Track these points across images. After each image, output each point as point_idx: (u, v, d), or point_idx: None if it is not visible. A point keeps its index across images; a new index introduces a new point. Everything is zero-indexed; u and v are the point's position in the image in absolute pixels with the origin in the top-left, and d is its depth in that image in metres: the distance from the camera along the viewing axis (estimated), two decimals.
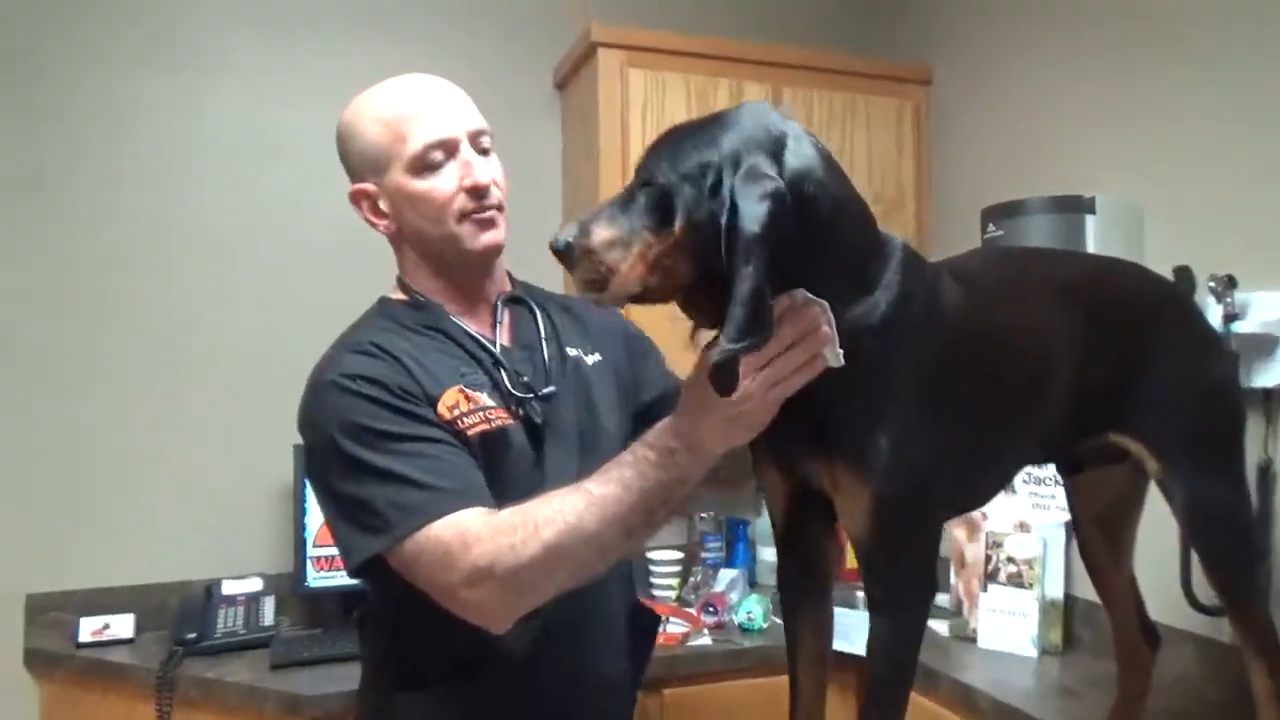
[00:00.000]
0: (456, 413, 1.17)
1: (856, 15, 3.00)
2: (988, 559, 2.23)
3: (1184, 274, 1.76)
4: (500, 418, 1.20)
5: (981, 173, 2.50)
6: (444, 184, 1.22)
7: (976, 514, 2.33)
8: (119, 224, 2.43)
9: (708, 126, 0.93)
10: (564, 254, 0.94)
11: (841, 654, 1.22)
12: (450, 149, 1.22)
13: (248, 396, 2.45)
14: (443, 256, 1.27)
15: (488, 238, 1.25)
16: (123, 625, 2.32)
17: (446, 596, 1.06)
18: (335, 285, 2.36)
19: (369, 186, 1.26)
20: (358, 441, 1.10)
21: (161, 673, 2.10)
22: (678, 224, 0.90)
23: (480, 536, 1.04)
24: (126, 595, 2.40)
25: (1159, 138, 1.99)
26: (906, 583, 1.01)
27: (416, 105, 1.23)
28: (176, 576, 2.43)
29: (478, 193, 1.22)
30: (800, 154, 0.92)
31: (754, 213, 0.85)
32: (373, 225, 1.29)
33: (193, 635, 2.22)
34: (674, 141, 0.94)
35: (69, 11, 2.39)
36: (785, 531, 1.11)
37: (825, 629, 1.14)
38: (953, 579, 2.36)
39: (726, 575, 2.57)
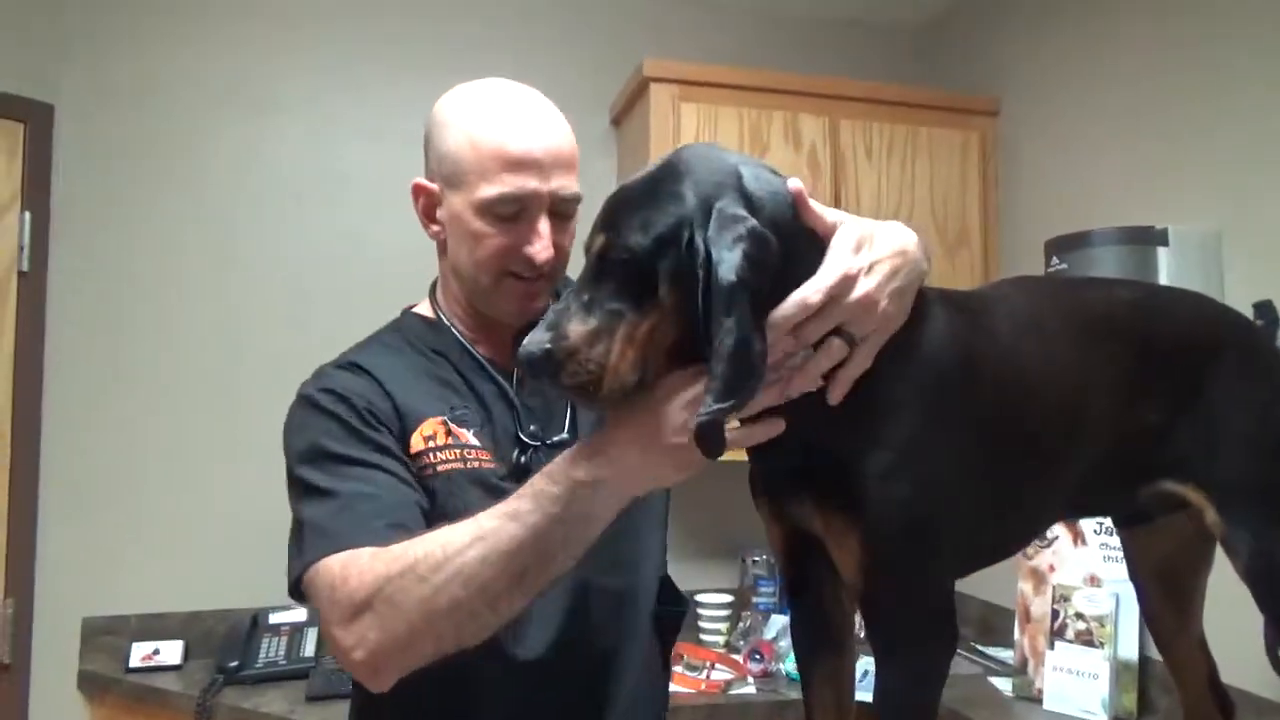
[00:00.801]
0: (431, 444, 1.09)
1: (919, 47, 2.95)
2: (1055, 614, 2.08)
3: (1265, 309, 1.64)
4: (481, 459, 1.10)
5: (1051, 204, 2.40)
6: (503, 238, 1.09)
7: (1043, 565, 2.19)
8: (184, 258, 2.51)
9: (662, 181, 0.87)
10: (542, 364, 0.82)
11: (868, 705, 1.13)
12: (527, 207, 1.08)
13: None
14: (470, 294, 1.16)
15: (522, 307, 1.12)
16: (172, 651, 2.35)
17: (328, 638, 0.95)
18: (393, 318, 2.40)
19: (434, 188, 1.14)
20: (308, 461, 1.06)
21: (201, 700, 2.11)
22: (662, 292, 0.83)
23: (361, 569, 0.92)
24: (178, 621, 2.44)
25: (1239, 163, 1.86)
26: (911, 635, 0.92)
27: (514, 144, 1.07)
28: (227, 604, 2.45)
29: (534, 267, 1.10)
30: (761, 180, 0.87)
31: (730, 260, 0.80)
32: (422, 225, 1.18)
33: (235, 663, 2.23)
34: (632, 205, 0.86)
35: (148, 60, 2.50)
36: (790, 575, 1.04)
37: (844, 681, 1.05)
38: (1016, 634, 2.21)
39: (778, 622, 2.47)
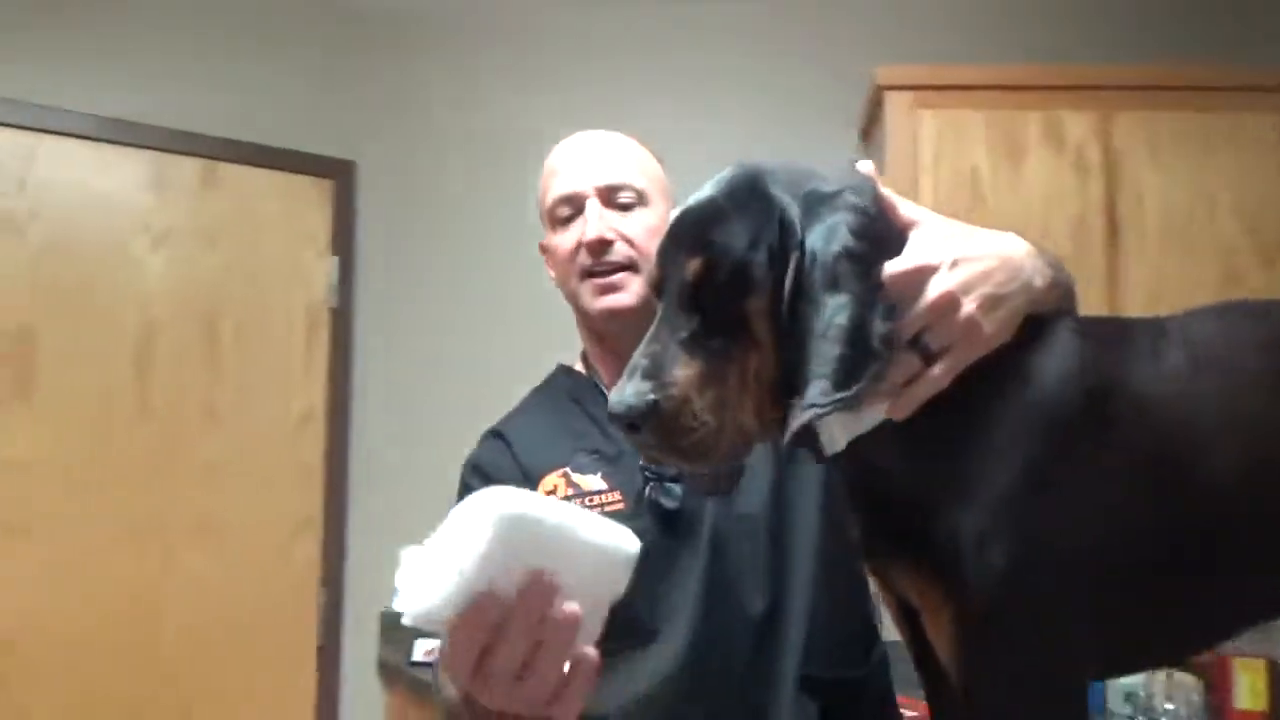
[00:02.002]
0: (552, 499, 1.12)
1: (1210, 19, 2.48)
2: None
3: None
4: (606, 503, 1.10)
5: None
6: (568, 240, 1.16)
7: None
8: (471, 299, 2.75)
9: (745, 190, 0.77)
10: (645, 419, 0.70)
11: None
12: (576, 204, 1.15)
13: None
14: (580, 316, 1.21)
15: (606, 301, 1.13)
16: None
17: None
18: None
19: (545, 240, 1.24)
20: None
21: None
22: (751, 305, 0.73)
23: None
24: None
25: None
26: None
27: (561, 160, 1.20)
28: None
29: (593, 249, 1.12)
30: (837, 169, 0.77)
31: (826, 232, 0.71)
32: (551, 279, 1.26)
33: None
34: (722, 220, 0.75)
35: (438, 120, 2.79)
36: (916, 653, 0.89)
37: None
38: None
39: None
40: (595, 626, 0.74)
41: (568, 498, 1.11)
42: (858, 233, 0.71)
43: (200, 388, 2.50)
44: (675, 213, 0.81)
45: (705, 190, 0.79)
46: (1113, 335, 0.79)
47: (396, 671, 2.59)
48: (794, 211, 0.73)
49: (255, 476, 2.56)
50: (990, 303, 0.73)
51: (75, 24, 2.40)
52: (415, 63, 2.80)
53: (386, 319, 2.77)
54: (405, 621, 0.70)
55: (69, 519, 2.30)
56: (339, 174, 2.71)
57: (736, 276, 0.73)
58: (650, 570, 1.06)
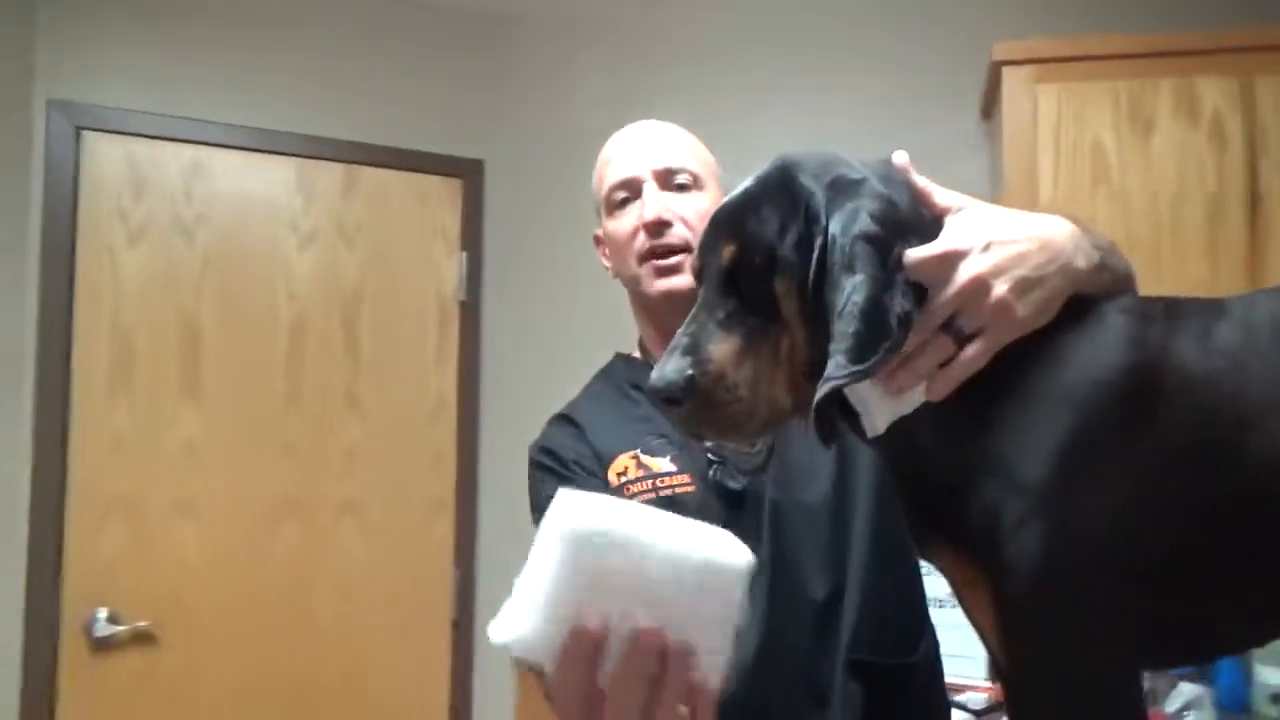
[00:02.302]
0: (624, 480, 1.14)
1: None
2: None
3: None
4: (676, 484, 1.12)
5: None
6: (626, 223, 1.19)
7: None
8: (593, 298, 2.82)
9: (778, 180, 0.80)
10: (685, 393, 0.74)
11: None
12: (634, 188, 1.19)
13: None
14: (639, 302, 1.24)
15: (665, 284, 1.16)
16: None
17: None
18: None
19: (599, 231, 1.28)
20: (533, 510, 1.17)
21: None
22: (779, 287, 0.76)
23: None
24: None
25: None
26: None
27: (614, 149, 1.24)
28: None
29: (651, 230, 1.16)
30: (869, 160, 0.79)
31: (847, 217, 0.74)
32: (606, 270, 1.30)
33: None
34: (754, 208, 0.79)
35: (562, 122, 2.88)
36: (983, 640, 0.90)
37: None
38: None
39: (1186, 692, 2.07)
40: (714, 654, 0.68)
41: (639, 479, 1.14)
42: (878, 217, 0.73)
43: (343, 378, 2.68)
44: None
45: (743, 183, 0.83)
46: (1161, 313, 0.77)
47: None
48: (819, 198, 0.76)
49: (392, 461, 2.73)
50: (1024, 285, 0.73)
51: (227, 46, 2.61)
52: (541, 64, 2.91)
53: (513, 311, 2.89)
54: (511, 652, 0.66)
55: (230, 499, 2.53)
56: (468, 173, 2.84)
57: (767, 261, 0.77)
58: None
